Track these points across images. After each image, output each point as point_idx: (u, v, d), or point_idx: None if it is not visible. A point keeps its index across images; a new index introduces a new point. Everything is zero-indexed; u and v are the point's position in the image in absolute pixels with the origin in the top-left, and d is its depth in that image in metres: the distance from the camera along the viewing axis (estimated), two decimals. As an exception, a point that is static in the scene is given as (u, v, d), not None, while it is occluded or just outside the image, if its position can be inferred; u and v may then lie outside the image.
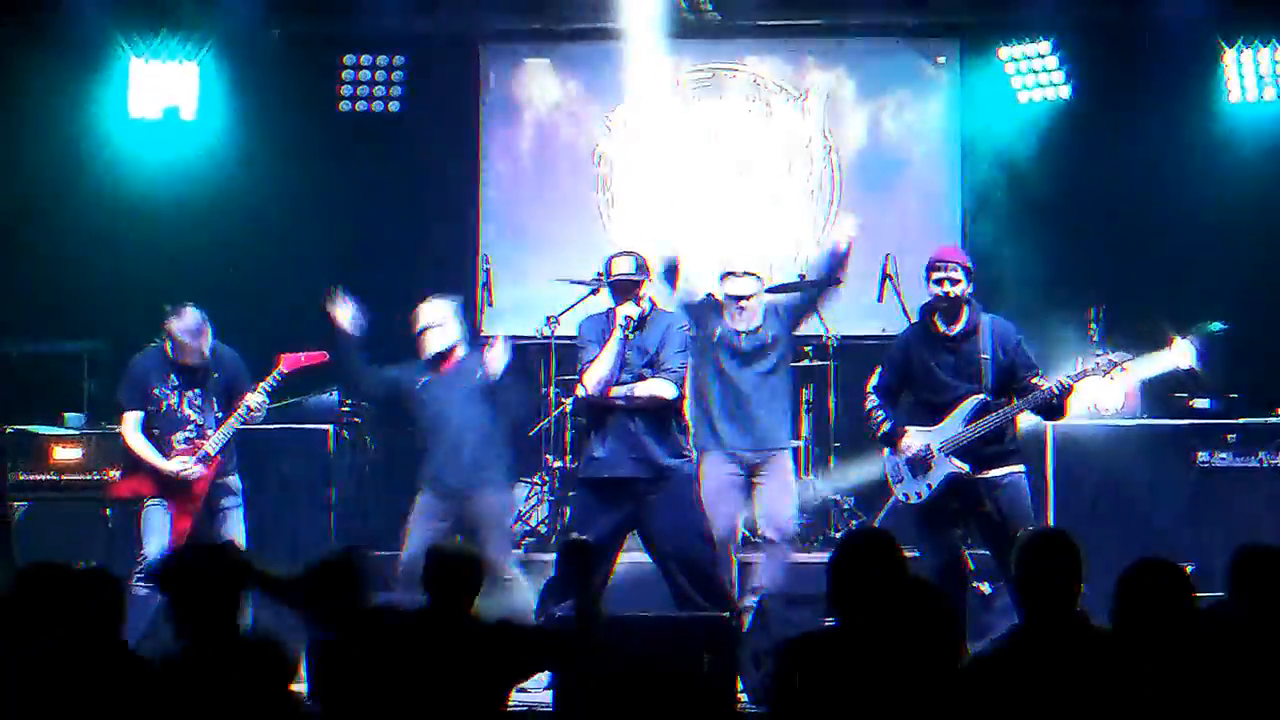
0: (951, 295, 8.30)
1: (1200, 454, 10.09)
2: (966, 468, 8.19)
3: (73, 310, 11.80)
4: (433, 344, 9.38)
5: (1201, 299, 11.20)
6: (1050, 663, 5.18)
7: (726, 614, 8.05)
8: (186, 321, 9.12)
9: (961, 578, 8.31)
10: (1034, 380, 8.21)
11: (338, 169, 12.31)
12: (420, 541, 8.76)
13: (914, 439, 8.32)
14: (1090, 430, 10.16)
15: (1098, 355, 8.43)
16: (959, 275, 8.33)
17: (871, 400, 8.51)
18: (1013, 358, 8.27)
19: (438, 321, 9.41)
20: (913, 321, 8.81)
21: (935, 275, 8.38)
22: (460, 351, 9.44)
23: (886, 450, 8.51)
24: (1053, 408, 8.30)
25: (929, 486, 8.29)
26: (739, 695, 7.68)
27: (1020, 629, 5.46)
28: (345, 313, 9.37)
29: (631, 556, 8.95)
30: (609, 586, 8.46)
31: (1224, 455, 10.08)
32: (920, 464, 8.30)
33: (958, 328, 8.32)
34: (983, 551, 8.79)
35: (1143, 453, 10.15)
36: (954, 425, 8.24)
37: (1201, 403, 10.52)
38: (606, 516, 8.40)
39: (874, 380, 8.56)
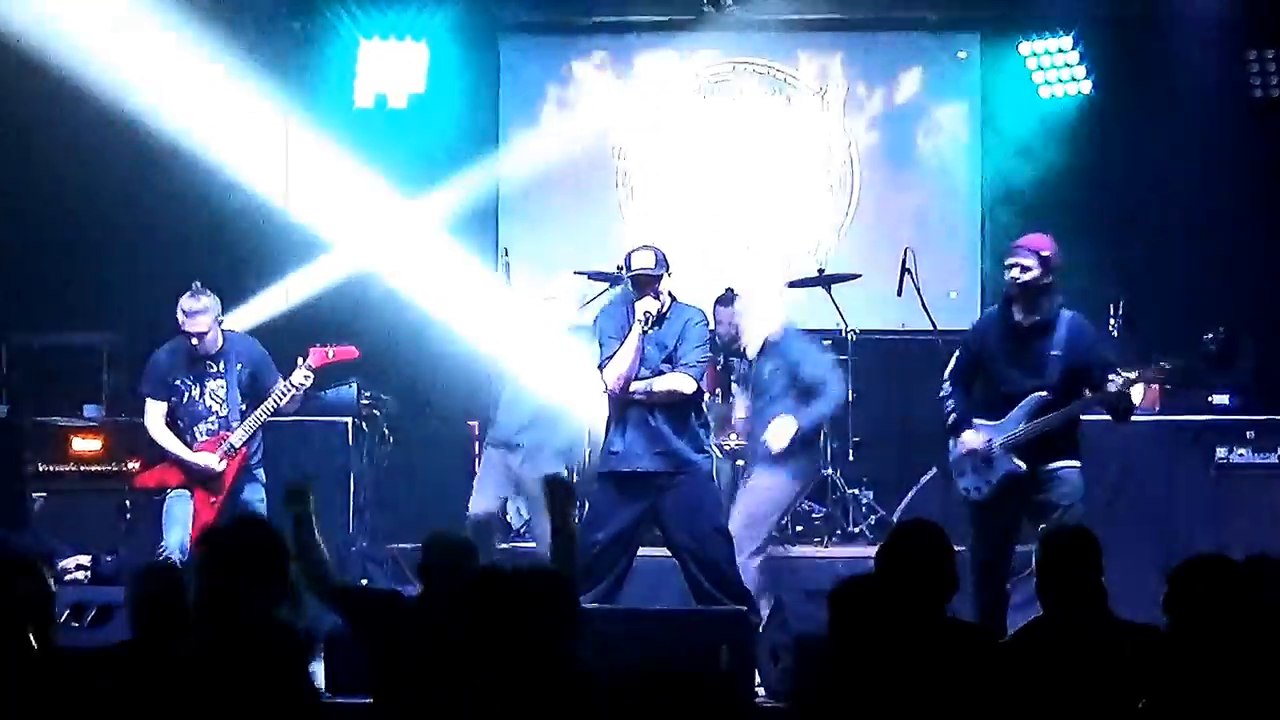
0: (1020, 282, 8.13)
1: (1219, 450, 10.05)
2: (1024, 466, 8.06)
3: (91, 302, 11.82)
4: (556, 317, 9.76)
5: (1221, 294, 11.18)
6: (1070, 655, 5.18)
7: (744, 609, 8.05)
8: (186, 302, 9.10)
9: (1004, 575, 8.22)
10: (1107, 379, 7.97)
11: (356, 158, 12.30)
12: None
13: (973, 437, 8.18)
14: (1109, 426, 10.12)
15: (1158, 362, 8.28)
16: (1031, 262, 8.05)
17: (944, 388, 8.35)
18: (1086, 358, 8.05)
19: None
20: (991, 309, 8.58)
21: (1007, 261, 8.17)
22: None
23: (951, 441, 8.35)
24: (1116, 410, 8.15)
25: (988, 483, 8.10)
26: (756, 690, 7.69)
27: (1040, 621, 5.46)
28: None
29: (649, 550, 8.95)
30: (627, 580, 8.47)
31: (1243, 452, 10.05)
32: (982, 459, 8.18)
33: (1032, 319, 8.15)
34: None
35: (1162, 449, 10.12)
36: (1014, 421, 8.05)
37: (1221, 399, 10.50)
38: (625, 510, 8.38)
39: (950, 365, 8.41)
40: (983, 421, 8.18)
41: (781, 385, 9.39)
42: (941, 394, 8.38)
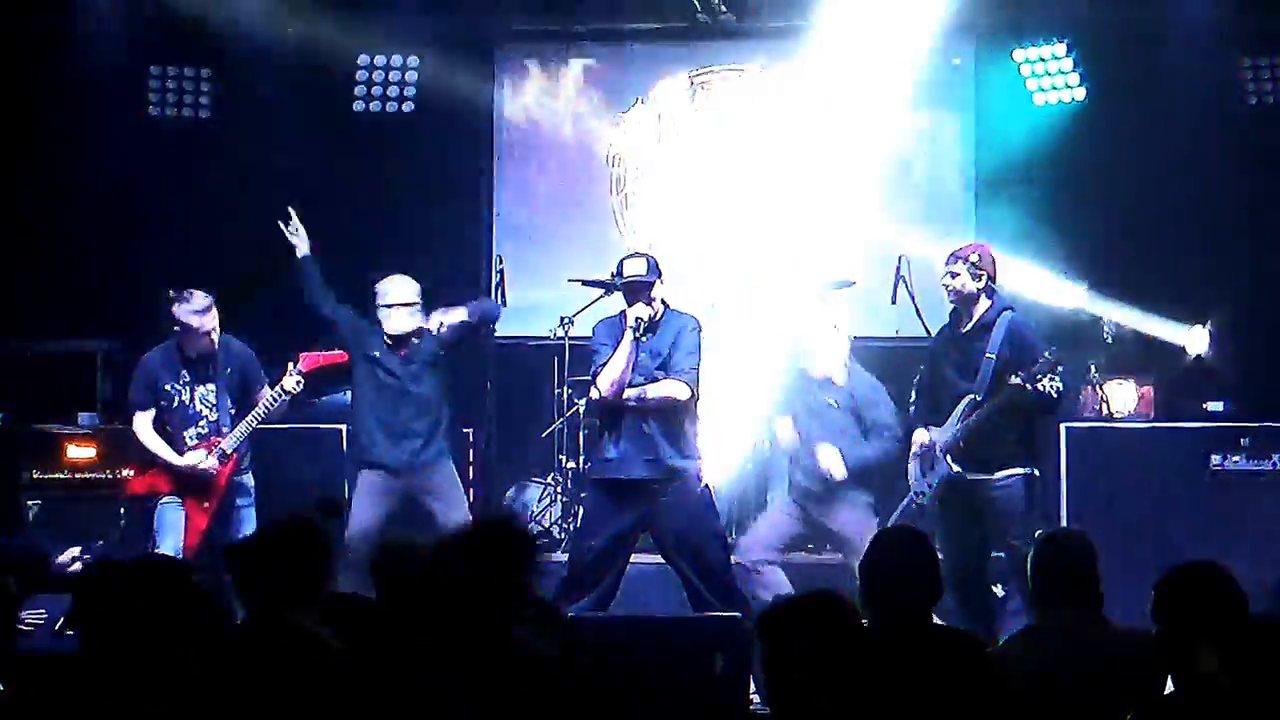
0: (950, 289, 8.34)
1: (1214, 457, 10.06)
2: (956, 468, 8.17)
3: (87, 309, 11.82)
4: (401, 323, 9.46)
5: (1215, 301, 11.19)
6: (1065, 661, 5.18)
7: (739, 614, 8.05)
8: (193, 303, 9.12)
9: (979, 581, 8.26)
10: (1011, 380, 8.10)
11: (351, 169, 12.30)
12: (371, 520, 9.13)
13: (920, 435, 8.37)
14: (1103, 433, 10.15)
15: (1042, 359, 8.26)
16: (959, 269, 8.35)
17: (913, 394, 8.56)
18: (1019, 358, 8.20)
19: (410, 300, 9.50)
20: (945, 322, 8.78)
21: (941, 270, 8.40)
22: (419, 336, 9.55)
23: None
24: (1037, 408, 8.22)
25: (930, 486, 8.33)
26: (751, 696, 7.69)
27: (1034, 627, 5.46)
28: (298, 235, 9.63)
29: (643, 557, 8.96)
30: (620, 587, 8.48)
31: (1238, 459, 10.05)
32: (927, 462, 8.30)
33: (968, 325, 8.30)
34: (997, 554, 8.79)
35: (1156, 456, 10.13)
36: (951, 425, 8.27)
37: (1215, 406, 10.51)
38: (618, 517, 8.39)
39: (917, 378, 8.63)
40: (932, 427, 8.37)
41: (845, 422, 9.42)
42: (910, 400, 8.67)
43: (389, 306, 9.46)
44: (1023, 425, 8.31)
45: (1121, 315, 10.26)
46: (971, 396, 8.18)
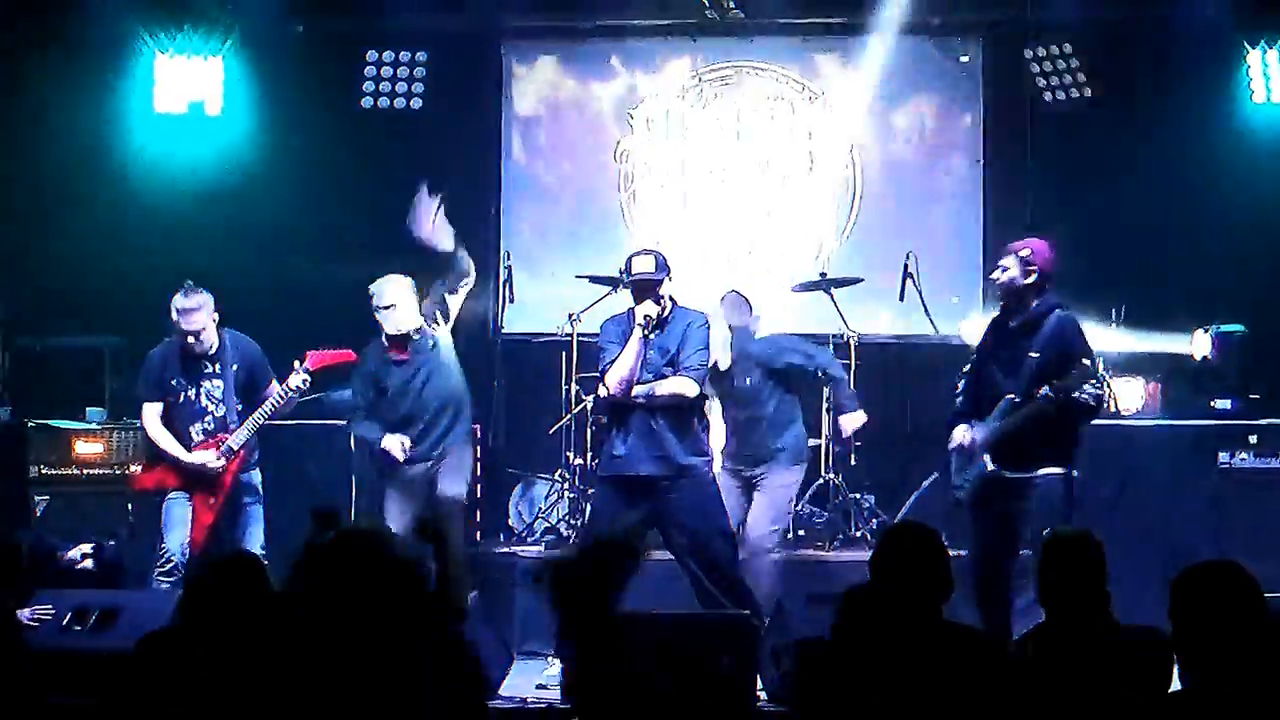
0: (999, 283, 8.20)
1: (1222, 455, 10.06)
2: (994, 466, 8.10)
3: (94, 305, 11.82)
4: (397, 323, 9.34)
5: (1223, 299, 11.18)
6: (1074, 661, 5.17)
7: (746, 612, 8.06)
8: (179, 301, 9.12)
9: (1003, 579, 8.22)
10: (1039, 391, 7.97)
11: (359, 165, 12.30)
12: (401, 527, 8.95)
13: (960, 432, 8.25)
14: (1111, 431, 10.13)
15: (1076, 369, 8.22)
16: (1010, 263, 8.16)
17: (959, 385, 8.46)
18: (1062, 362, 8.03)
19: (400, 300, 9.37)
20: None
21: (999, 263, 8.30)
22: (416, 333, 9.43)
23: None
24: (1067, 416, 8.16)
25: (968, 481, 8.21)
26: (758, 694, 7.69)
27: (1043, 627, 5.46)
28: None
29: (651, 554, 8.94)
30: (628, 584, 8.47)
31: (1245, 456, 10.05)
32: (965, 457, 8.23)
33: (1018, 320, 8.18)
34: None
35: (1164, 453, 10.13)
36: (991, 421, 8.14)
37: (1223, 403, 10.50)
38: (626, 514, 8.39)
39: (964, 368, 8.52)
40: (974, 421, 8.27)
41: (767, 389, 9.46)
42: (955, 391, 8.47)
43: (386, 308, 9.39)
44: (1063, 425, 8.17)
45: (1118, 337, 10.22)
46: (1011, 397, 8.08)
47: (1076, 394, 7.93)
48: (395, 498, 9.33)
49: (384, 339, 9.40)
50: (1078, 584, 5.38)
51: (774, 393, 9.53)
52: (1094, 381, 8.03)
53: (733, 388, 9.48)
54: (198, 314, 9.12)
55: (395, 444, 9.16)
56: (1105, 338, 10.20)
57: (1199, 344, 10.48)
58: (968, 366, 8.48)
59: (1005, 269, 8.20)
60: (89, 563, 9.18)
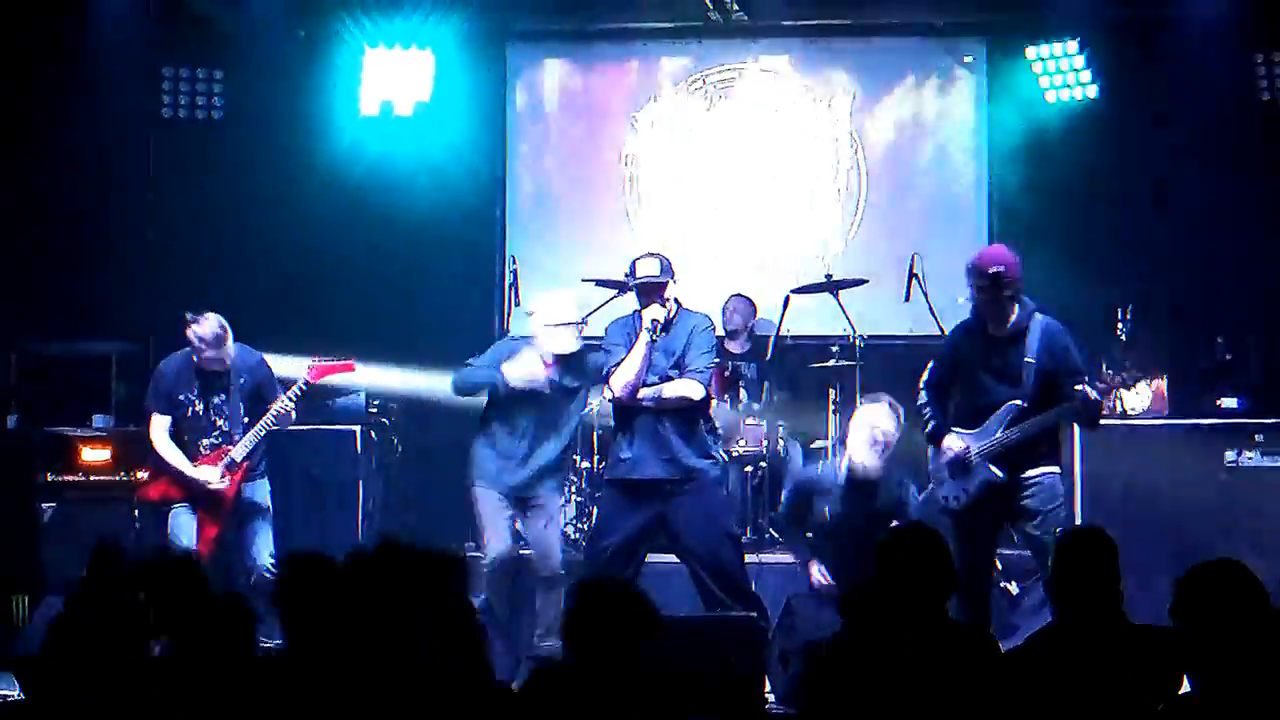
0: (981, 302, 8.15)
1: (1229, 453, 10.05)
2: (1001, 475, 8.06)
3: (102, 312, 11.84)
4: (561, 344, 9.01)
5: (1229, 298, 11.17)
6: (1086, 659, 5.17)
7: (754, 614, 8.06)
8: (205, 329, 9.08)
9: (986, 583, 8.23)
10: (1075, 389, 7.96)
11: (363, 169, 12.30)
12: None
13: (954, 441, 8.19)
14: (1118, 430, 10.12)
15: (1125, 370, 8.25)
16: (985, 283, 8.07)
17: (921, 396, 8.36)
18: (1058, 364, 8.05)
19: (569, 320, 9.06)
20: (965, 319, 8.48)
21: (971, 282, 8.23)
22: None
23: (930, 450, 8.38)
24: (1084, 419, 8.19)
25: (965, 491, 8.13)
26: (766, 696, 7.69)
27: (1054, 627, 5.45)
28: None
29: (656, 556, 8.95)
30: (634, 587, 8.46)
31: (1252, 455, 10.04)
32: (959, 467, 8.18)
33: (1004, 329, 8.19)
34: (1006, 552, 8.75)
35: (1171, 452, 10.11)
36: (991, 430, 8.08)
37: (1230, 402, 10.49)
38: (633, 517, 8.40)
39: (925, 376, 8.42)
40: (961, 430, 8.22)
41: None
42: (919, 403, 8.41)
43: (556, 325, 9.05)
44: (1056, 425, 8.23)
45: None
46: (1017, 403, 8.05)
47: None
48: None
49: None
50: (1091, 583, 5.37)
51: None
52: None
53: None
54: (220, 347, 9.09)
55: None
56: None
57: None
58: (928, 377, 8.42)
59: (982, 289, 8.14)
60: None
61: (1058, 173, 12.02)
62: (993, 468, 8.05)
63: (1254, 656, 4.67)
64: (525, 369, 8.91)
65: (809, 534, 8.94)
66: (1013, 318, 8.12)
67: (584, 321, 9.19)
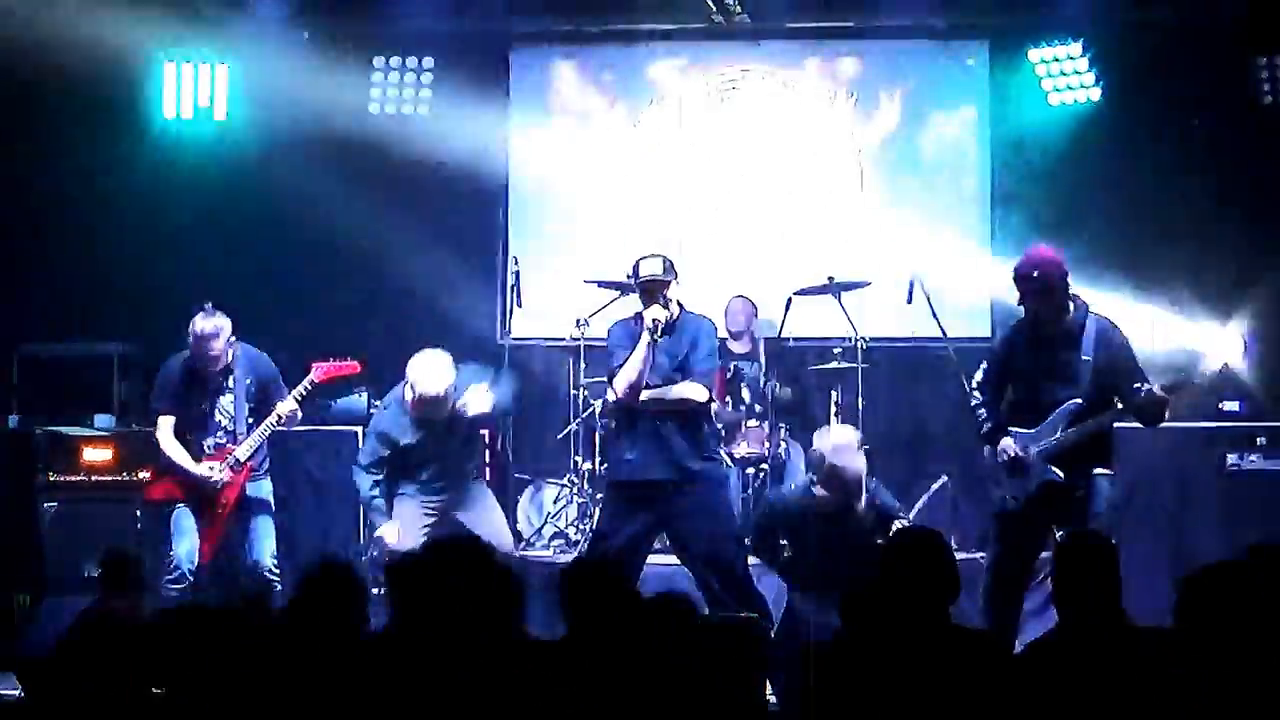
0: (1042, 305, 8.09)
1: (1230, 456, 10.05)
2: (1062, 475, 7.99)
3: (103, 312, 11.85)
4: (477, 405, 9.35)
5: (1230, 299, 11.17)
6: (1089, 661, 5.18)
7: (756, 615, 8.04)
8: (199, 323, 9.12)
9: (1023, 587, 8.19)
10: (1135, 388, 7.94)
11: (367, 171, 12.30)
12: None
13: (1011, 442, 8.14)
14: (1120, 432, 10.10)
15: (1192, 371, 8.22)
16: (1040, 286, 8.06)
17: (975, 397, 8.32)
18: (1114, 363, 8.03)
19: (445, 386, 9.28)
20: (1018, 319, 8.43)
21: (1017, 285, 8.18)
22: None
23: (986, 449, 8.32)
24: (1149, 417, 8.12)
25: (1025, 492, 8.07)
26: (768, 698, 7.68)
27: (1058, 630, 5.46)
28: None
29: (660, 558, 8.95)
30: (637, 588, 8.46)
31: (1253, 458, 10.05)
32: (1016, 467, 8.14)
33: (1058, 329, 8.14)
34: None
35: (1172, 455, 10.12)
36: (1050, 430, 8.03)
37: (1231, 405, 10.49)
38: (635, 518, 8.38)
39: (978, 376, 8.40)
40: (1017, 430, 8.17)
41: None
42: (973, 403, 8.36)
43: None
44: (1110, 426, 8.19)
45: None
46: (1076, 402, 8.02)
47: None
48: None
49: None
50: (1092, 586, 5.38)
51: None
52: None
53: None
54: (216, 341, 9.12)
55: None
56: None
57: (1230, 344, 10.44)
58: (981, 377, 8.40)
59: (1026, 292, 8.11)
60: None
61: (1061, 175, 12.02)
62: (1053, 468, 8.01)
63: (1256, 658, 4.68)
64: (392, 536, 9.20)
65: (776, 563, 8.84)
66: (1067, 316, 8.09)
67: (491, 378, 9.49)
